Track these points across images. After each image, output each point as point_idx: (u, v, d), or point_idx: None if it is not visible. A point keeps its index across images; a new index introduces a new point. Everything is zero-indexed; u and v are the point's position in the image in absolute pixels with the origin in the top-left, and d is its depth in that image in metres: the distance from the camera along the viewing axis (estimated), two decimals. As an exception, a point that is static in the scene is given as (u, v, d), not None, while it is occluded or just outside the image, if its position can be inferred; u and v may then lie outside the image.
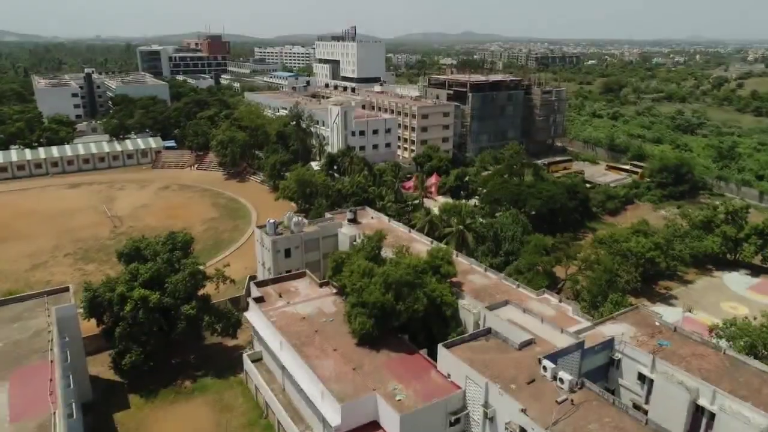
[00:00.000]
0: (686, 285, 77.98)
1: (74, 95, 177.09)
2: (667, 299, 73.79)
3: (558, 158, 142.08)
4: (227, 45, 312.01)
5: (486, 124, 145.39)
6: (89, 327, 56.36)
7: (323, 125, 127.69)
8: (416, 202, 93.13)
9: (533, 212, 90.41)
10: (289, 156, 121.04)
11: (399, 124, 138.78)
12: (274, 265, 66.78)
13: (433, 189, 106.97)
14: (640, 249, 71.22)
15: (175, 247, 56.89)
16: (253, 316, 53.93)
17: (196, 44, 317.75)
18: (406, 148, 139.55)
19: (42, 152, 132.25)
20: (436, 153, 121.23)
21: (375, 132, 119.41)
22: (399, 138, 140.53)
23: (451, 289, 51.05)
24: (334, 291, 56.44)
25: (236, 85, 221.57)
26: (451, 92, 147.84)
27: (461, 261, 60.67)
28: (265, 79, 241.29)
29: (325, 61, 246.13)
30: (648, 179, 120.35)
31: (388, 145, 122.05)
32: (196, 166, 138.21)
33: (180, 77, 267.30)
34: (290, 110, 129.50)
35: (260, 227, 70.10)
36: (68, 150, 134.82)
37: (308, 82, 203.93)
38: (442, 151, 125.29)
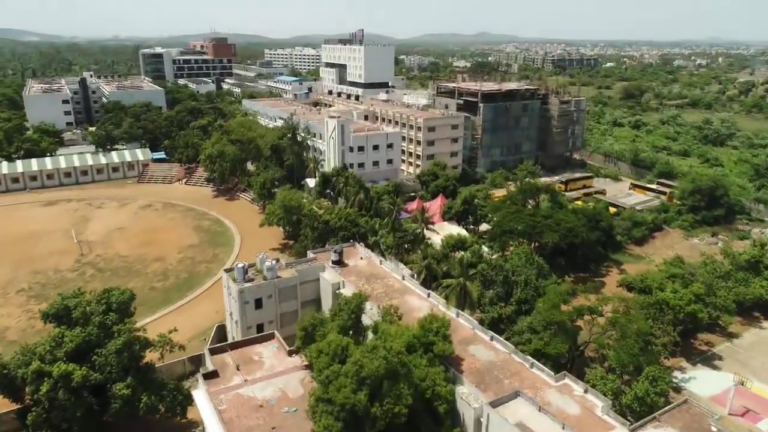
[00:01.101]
0: (731, 340, 66.27)
1: (65, 102, 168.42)
2: (709, 359, 62.21)
3: (577, 175, 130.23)
4: (233, 47, 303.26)
5: (499, 136, 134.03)
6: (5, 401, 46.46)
7: (321, 138, 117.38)
8: (417, 231, 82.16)
9: (550, 245, 79.34)
10: (283, 173, 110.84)
11: (404, 137, 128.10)
12: (241, 319, 56.46)
13: (436, 214, 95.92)
14: (678, 302, 59.72)
15: (110, 308, 46.57)
16: (201, 398, 43.46)
17: (202, 46, 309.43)
18: (411, 163, 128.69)
19: (20, 165, 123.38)
20: (442, 171, 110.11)
21: (375, 147, 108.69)
22: (404, 152, 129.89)
23: (446, 374, 40.25)
24: (305, 363, 45.91)
25: (237, 90, 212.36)
26: (462, 102, 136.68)
27: (462, 324, 49.83)
28: (270, 83, 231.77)
29: (332, 65, 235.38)
30: (678, 201, 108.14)
31: (390, 161, 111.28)
32: (184, 180, 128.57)
33: (182, 81, 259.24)
34: (285, 122, 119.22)
35: (228, 271, 59.72)
36: (48, 163, 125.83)
37: (310, 89, 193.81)
38: (449, 169, 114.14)
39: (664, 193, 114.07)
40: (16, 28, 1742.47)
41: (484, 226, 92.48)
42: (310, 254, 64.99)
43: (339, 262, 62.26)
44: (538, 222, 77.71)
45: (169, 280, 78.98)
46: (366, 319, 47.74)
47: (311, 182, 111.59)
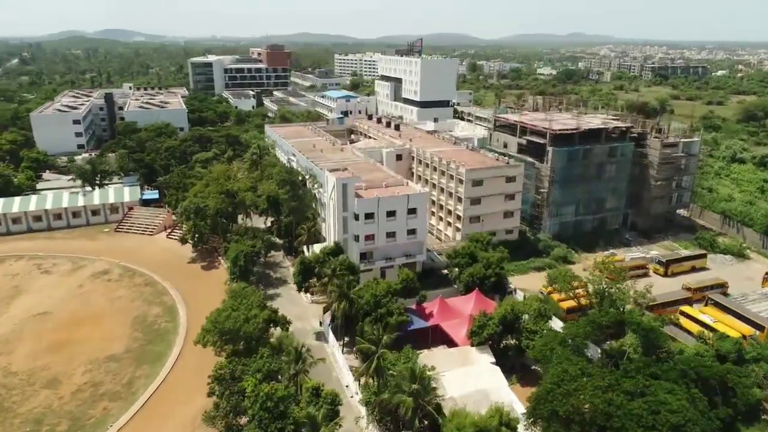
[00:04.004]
0: None
1: (75, 122, 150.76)
2: None
3: (684, 252, 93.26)
4: (288, 55, 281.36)
5: (573, 190, 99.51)
6: None
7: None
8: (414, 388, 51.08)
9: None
10: (268, 241, 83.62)
11: (443, 189, 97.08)
12: None
13: (463, 329, 64.44)
14: None
15: None
16: None
17: (259, 54, 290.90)
18: (450, 223, 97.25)
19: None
20: (483, 248, 78.00)
21: (390, 214, 78.48)
22: (442, 207, 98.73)
23: None
24: None
25: (275, 108, 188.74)
26: (524, 141, 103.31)
27: None
28: (317, 98, 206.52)
29: (387, 79, 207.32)
30: None
31: (411, 232, 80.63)
32: (169, 231, 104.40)
33: (227, 93, 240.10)
34: (283, 169, 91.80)
35: None
36: (16, 205, 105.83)
37: (346, 114, 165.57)
38: (502, 233, 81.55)
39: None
40: (125, 28, 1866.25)
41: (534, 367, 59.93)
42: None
43: None
44: (616, 404, 44.44)
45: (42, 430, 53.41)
46: None
47: (318, 249, 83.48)
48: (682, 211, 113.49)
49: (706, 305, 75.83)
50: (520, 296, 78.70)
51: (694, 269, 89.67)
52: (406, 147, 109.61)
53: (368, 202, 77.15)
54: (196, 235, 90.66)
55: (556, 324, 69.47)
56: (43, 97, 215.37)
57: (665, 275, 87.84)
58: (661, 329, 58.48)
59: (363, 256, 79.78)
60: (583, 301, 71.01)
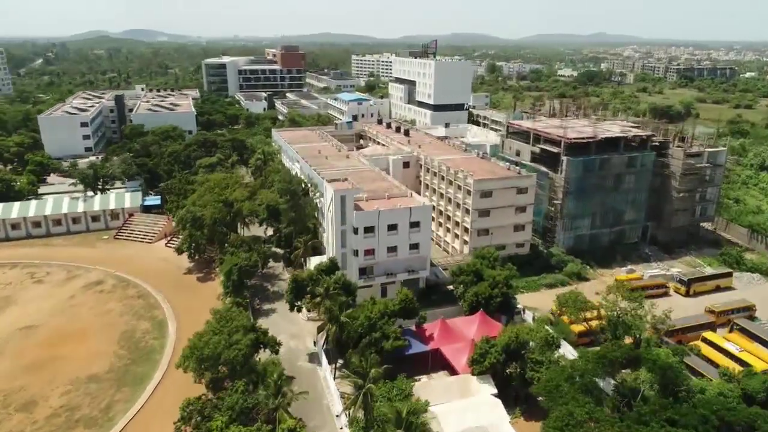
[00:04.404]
0: None
1: (83, 125, 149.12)
2: None
3: (707, 271, 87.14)
4: (302, 56, 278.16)
5: (589, 202, 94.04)
6: None
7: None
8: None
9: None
10: (263, 254, 79.99)
11: (450, 200, 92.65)
12: None
13: (464, 356, 59.83)
14: None
15: None
16: None
17: (274, 55, 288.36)
18: (457, 235, 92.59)
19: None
20: (490, 265, 73.23)
21: (392, 228, 74.15)
22: (449, 218, 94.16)
23: None
24: None
25: (285, 110, 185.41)
26: (538, 150, 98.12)
27: None
28: (328, 100, 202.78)
29: (401, 81, 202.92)
30: None
31: (414, 246, 76.18)
32: (169, 239, 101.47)
33: (240, 95, 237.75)
34: (282, 178, 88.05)
35: None
36: (15, 210, 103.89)
37: (355, 118, 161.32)
38: (512, 247, 76.55)
39: None
40: (149, 29, 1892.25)
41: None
42: None
43: None
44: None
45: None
46: None
47: (313, 262, 79.73)
48: (706, 224, 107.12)
49: (731, 331, 70.21)
50: (528, 317, 73.87)
51: (718, 289, 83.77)
52: (414, 154, 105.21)
53: (368, 215, 72.92)
54: (193, 246, 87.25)
55: (567, 349, 64.61)
56: (58, 98, 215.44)
57: (687, 295, 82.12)
58: (680, 368, 52.91)
59: (362, 272, 75.64)
60: (595, 323, 66.04)
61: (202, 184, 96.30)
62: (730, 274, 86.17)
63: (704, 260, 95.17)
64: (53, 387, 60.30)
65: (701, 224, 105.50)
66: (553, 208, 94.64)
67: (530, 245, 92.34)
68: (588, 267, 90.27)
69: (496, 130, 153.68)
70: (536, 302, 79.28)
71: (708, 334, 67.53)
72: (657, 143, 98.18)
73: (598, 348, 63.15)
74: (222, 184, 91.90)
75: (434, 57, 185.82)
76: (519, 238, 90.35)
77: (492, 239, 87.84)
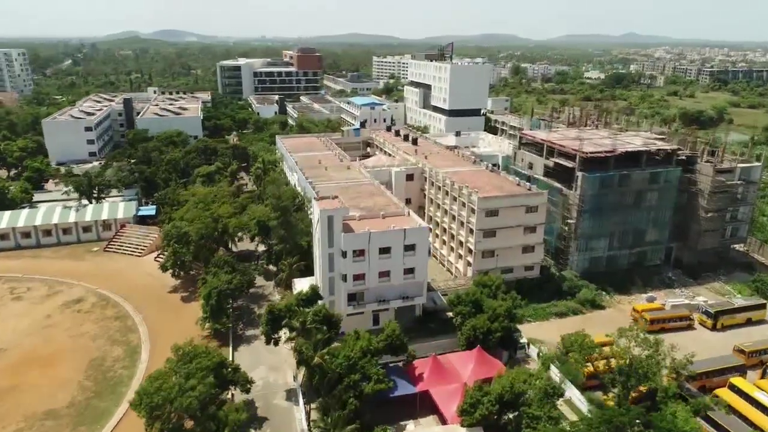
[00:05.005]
0: None
1: (87, 129, 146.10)
2: None
3: (737, 302, 78.41)
4: (319, 58, 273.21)
5: (606, 221, 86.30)
6: None
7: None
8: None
9: None
10: (248, 277, 74.45)
11: (454, 217, 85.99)
12: None
13: (454, 402, 53.22)
14: None
15: None
16: None
17: (291, 57, 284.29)
18: (461, 256, 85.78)
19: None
20: (492, 293, 66.40)
21: (384, 251, 67.82)
22: (453, 237, 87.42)
23: None
24: None
25: (296, 114, 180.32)
26: (551, 164, 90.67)
27: None
28: (342, 104, 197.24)
29: (417, 85, 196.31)
30: None
31: (409, 271, 69.73)
32: (158, 253, 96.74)
33: (254, 97, 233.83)
34: (272, 192, 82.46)
35: None
36: (4, 220, 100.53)
37: (363, 124, 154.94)
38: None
39: None
40: (179, 29, 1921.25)
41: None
42: None
43: None
44: None
45: None
46: None
47: (302, 283, 74.17)
48: (737, 246, 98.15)
49: (763, 376, 62.04)
50: (533, 352, 66.96)
51: (749, 322, 75.42)
52: (419, 166, 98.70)
53: (357, 237, 66.68)
54: (178, 263, 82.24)
55: (573, 393, 57.69)
56: (72, 100, 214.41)
57: (713, 329, 74.02)
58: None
59: (352, 298, 69.48)
60: (603, 364, 58.65)
61: (194, 195, 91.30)
62: (763, 306, 77.51)
63: (734, 287, 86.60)
64: (6, 424, 55.57)
65: (732, 246, 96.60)
66: (566, 228, 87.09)
67: (541, 267, 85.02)
68: (604, 293, 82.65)
69: (513, 137, 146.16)
70: (544, 333, 72.27)
71: (736, 380, 59.44)
72: (684, 157, 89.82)
73: (605, 396, 56.15)
74: (208, 198, 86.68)
75: (450, 60, 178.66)
76: (528, 261, 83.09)
77: (498, 261, 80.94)
